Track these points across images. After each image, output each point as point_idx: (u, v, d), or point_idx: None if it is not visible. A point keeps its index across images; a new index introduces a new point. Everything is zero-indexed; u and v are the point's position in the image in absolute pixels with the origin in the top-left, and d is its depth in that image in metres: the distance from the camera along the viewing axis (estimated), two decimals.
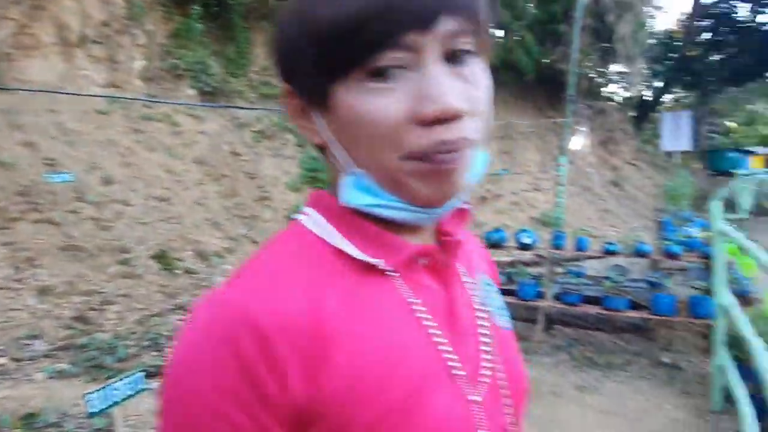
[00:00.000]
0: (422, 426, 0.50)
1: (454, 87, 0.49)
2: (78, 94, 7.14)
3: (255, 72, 10.40)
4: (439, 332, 0.55)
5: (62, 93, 7.07)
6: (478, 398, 0.56)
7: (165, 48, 9.20)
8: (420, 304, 0.55)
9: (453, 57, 0.50)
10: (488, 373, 0.58)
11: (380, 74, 0.48)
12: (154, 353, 4.49)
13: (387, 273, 0.54)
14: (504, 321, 0.66)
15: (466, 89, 0.50)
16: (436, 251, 0.57)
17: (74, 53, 7.88)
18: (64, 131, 7.14)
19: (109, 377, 3.90)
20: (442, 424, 0.51)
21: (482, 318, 0.62)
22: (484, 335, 0.61)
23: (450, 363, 0.54)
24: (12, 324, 4.56)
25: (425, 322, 0.54)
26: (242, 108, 9.17)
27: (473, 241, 0.73)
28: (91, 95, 7.39)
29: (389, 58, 0.48)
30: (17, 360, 4.09)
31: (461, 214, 0.63)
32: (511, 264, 6.71)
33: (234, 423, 0.45)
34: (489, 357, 0.59)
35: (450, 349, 0.55)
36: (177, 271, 6.13)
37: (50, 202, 6.21)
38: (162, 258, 6.14)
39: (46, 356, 4.25)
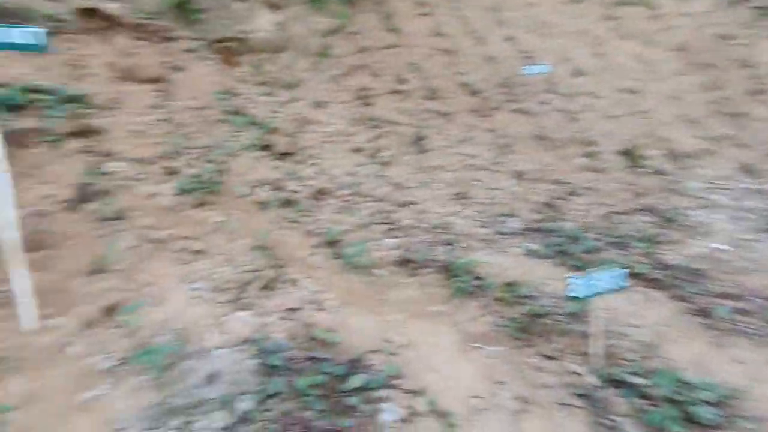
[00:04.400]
0: None
1: None
2: None
3: None
4: None
5: None
6: None
7: None
8: None
9: None
10: None
11: None
12: (620, 251, 4.27)
13: None
14: None
15: None
16: None
17: None
18: (540, 24, 7.29)
19: (575, 265, 3.90)
20: None
21: None
22: None
23: None
24: (493, 201, 5.11)
25: None
26: None
27: None
28: None
29: None
30: (499, 234, 4.56)
31: None
32: None
33: None
34: None
35: None
36: (644, 170, 5.64)
37: (524, 93, 6.55)
38: (629, 154, 5.74)
39: (518, 234, 4.59)
